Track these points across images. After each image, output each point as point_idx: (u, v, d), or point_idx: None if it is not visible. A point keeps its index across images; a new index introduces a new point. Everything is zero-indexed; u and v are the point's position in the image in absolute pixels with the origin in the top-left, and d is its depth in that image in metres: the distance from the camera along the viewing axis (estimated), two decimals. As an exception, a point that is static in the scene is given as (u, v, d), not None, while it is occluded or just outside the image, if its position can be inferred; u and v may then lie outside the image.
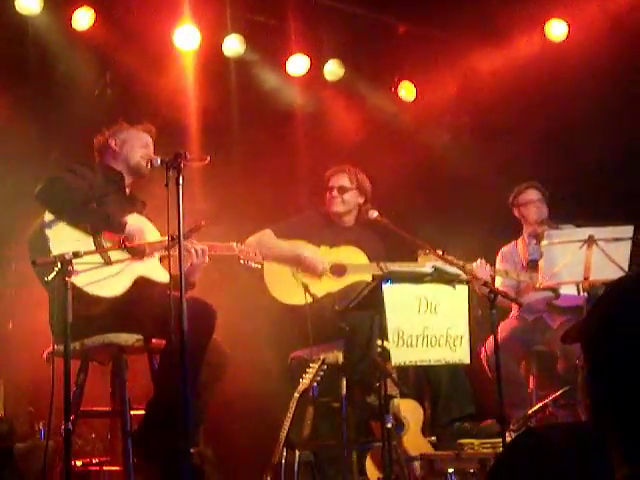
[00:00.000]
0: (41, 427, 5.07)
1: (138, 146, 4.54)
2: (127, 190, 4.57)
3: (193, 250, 4.34)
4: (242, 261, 4.58)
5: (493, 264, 5.71)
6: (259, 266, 4.68)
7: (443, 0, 6.52)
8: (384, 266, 5.07)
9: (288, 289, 5.15)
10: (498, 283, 5.69)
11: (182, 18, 6.25)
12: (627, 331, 1.44)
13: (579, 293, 5.46)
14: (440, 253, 4.84)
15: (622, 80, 6.50)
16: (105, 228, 4.20)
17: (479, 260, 5.32)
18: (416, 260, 5.10)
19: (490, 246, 6.15)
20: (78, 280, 3.92)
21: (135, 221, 4.28)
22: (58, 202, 4.13)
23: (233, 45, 6.56)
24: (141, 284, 4.20)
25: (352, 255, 5.38)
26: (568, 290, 5.55)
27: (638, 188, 6.34)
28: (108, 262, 4.14)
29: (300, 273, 5.20)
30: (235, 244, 4.57)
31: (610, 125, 6.50)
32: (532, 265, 5.80)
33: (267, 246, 5.24)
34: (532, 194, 6.05)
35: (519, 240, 6.16)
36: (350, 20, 6.80)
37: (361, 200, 5.50)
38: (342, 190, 5.49)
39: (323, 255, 5.34)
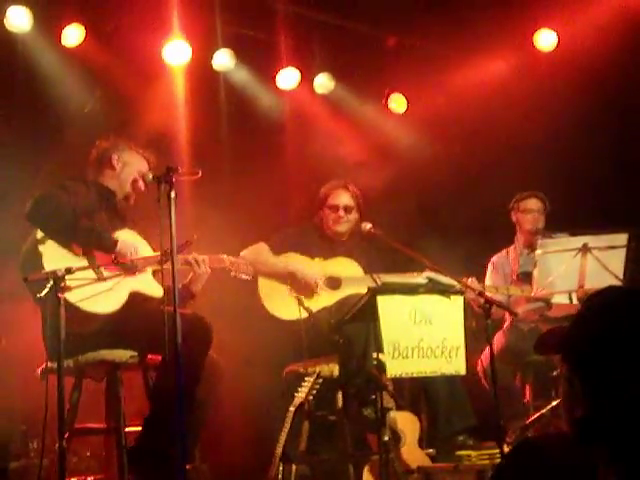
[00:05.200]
0: (35, 446, 5.03)
1: (136, 174, 4.54)
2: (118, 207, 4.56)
3: (194, 260, 4.34)
4: (233, 273, 4.56)
5: (482, 280, 5.69)
6: (249, 277, 4.65)
7: (432, 13, 6.52)
8: (378, 278, 5.04)
9: (283, 304, 5.12)
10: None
11: (172, 33, 6.25)
12: (616, 341, 1.44)
13: (571, 302, 5.44)
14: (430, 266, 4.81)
15: (612, 90, 6.51)
16: (96, 247, 4.18)
17: (470, 279, 5.27)
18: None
19: (479, 261, 6.14)
20: (72, 297, 3.90)
21: (127, 236, 4.27)
22: (48, 222, 4.10)
23: (223, 60, 6.56)
24: (135, 299, 4.19)
25: (347, 267, 5.36)
26: (560, 299, 5.53)
27: (630, 196, 6.34)
28: (101, 278, 4.12)
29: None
30: (225, 256, 4.55)
31: (600, 134, 6.51)
32: (523, 277, 5.79)
33: (261, 261, 5.21)
34: (533, 203, 6.03)
35: (511, 248, 6.14)
36: (340, 33, 6.80)
37: (357, 216, 5.48)
38: (347, 210, 5.45)
39: (317, 267, 5.31)
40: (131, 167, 4.56)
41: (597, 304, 1.52)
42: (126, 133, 4.77)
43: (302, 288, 5.17)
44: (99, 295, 4.08)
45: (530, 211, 6.01)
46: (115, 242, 4.19)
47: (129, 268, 4.22)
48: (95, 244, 4.18)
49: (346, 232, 5.48)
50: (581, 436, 1.48)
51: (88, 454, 5.15)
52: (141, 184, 4.52)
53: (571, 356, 1.51)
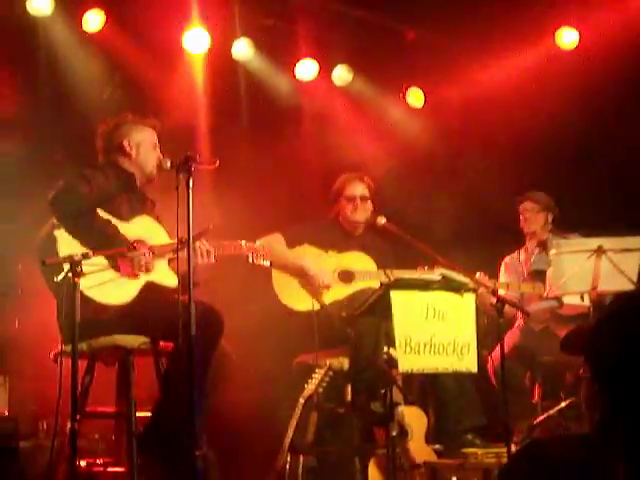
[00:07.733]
0: (45, 426, 5.06)
1: (151, 149, 4.46)
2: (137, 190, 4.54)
3: (199, 251, 4.32)
4: (251, 260, 4.51)
5: (493, 277, 5.69)
6: (268, 263, 4.61)
7: (453, 8, 6.50)
8: (390, 273, 5.05)
9: (296, 295, 5.15)
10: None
11: (192, 21, 6.26)
12: (636, 346, 1.44)
13: (583, 301, 5.43)
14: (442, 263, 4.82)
15: (634, 88, 6.48)
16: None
17: (478, 274, 5.26)
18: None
19: (492, 258, 6.14)
20: (84, 284, 3.88)
21: (144, 224, 4.27)
22: (68, 215, 4.08)
23: (242, 49, 6.57)
24: (150, 289, 4.19)
25: (360, 261, 5.37)
26: (572, 298, 5.52)
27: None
28: (115, 267, 4.12)
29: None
30: (244, 242, 4.50)
31: (622, 134, 6.49)
32: (535, 275, 5.79)
33: (274, 252, 5.21)
34: (526, 205, 6.05)
35: (521, 250, 6.15)
36: (359, 25, 6.78)
37: (372, 207, 5.50)
38: (363, 199, 5.48)
39: (330, 260, 5.33)
40: (145, 145, 4.45)
41: (620, 308, 1.52)
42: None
43: (310, 284, 5.19)
44: (113, 284, 4.07)
45: (524, 213, 6.04)
46: (130, 244, 4.10)
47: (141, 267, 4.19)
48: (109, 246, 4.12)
49: (364, 222, 5.48)
50: (600, 437, 1.48)
51: (97, 437, 5.17)
52: (159, 154, 4.45)
53: (592, 358, 1.52)
